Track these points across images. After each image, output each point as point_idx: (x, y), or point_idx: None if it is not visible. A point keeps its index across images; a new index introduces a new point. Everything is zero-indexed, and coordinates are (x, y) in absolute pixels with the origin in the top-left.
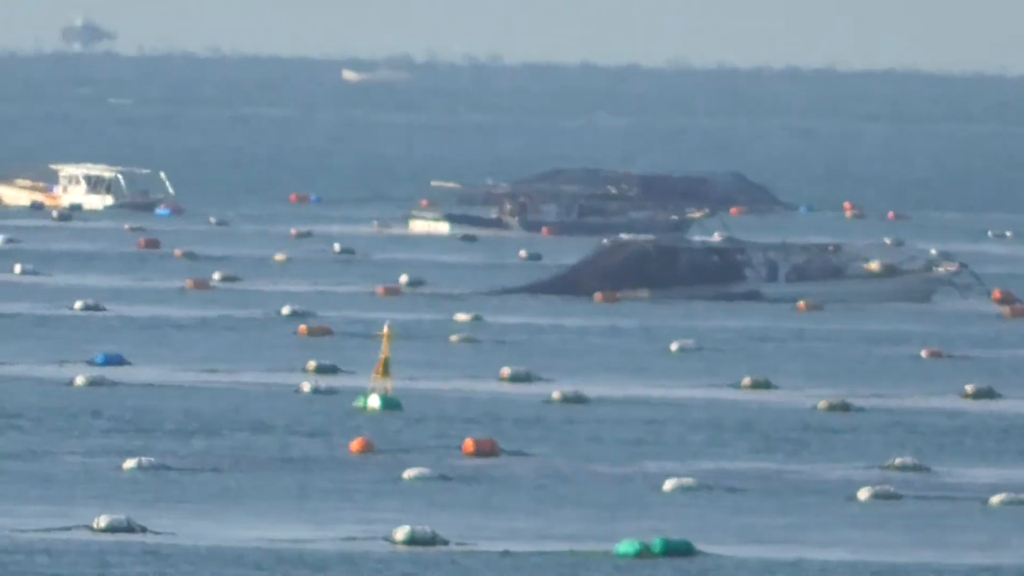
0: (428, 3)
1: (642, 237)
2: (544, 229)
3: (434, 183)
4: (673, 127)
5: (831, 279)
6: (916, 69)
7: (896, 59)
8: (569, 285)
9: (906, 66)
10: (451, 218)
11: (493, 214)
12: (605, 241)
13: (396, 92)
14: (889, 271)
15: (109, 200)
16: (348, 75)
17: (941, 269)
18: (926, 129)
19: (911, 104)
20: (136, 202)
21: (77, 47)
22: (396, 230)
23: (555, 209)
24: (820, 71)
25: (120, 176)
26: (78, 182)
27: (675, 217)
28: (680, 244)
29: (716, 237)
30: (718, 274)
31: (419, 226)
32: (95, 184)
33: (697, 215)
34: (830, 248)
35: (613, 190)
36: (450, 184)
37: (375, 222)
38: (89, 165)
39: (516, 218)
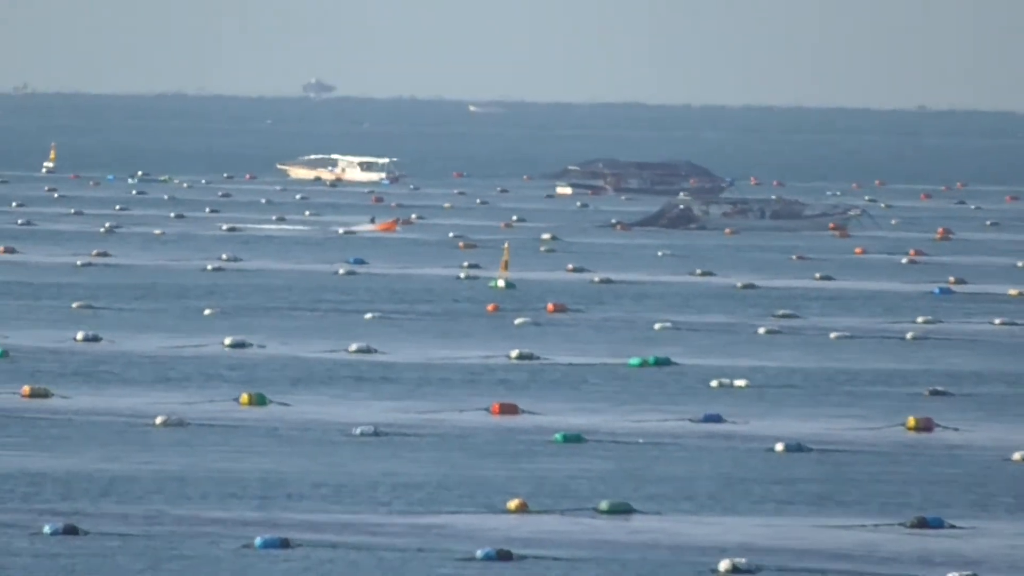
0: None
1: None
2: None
3: (569, 166)
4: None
5: (791, 218)
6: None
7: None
8: (649, 220)
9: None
10: (572, 185)
11: (600, 183)
12: (683, 195)
13: (499, 119)
14: (821, 212)
15: (381, 175)
16: (472, 108)
17: (850, 212)
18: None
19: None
20: (392, 178)
21: (311, 95)
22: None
23: (637, 181)
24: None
25: (388, 161)
26: (353, 166)
27: (708, 186)
28: (711, 199)
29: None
30: (732, 215)
31: (560, 190)
32: (368, 167)
33: (724, 185)
34: (787, 200)
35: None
36: (575, 167)
37: (525, 176)
38: (358, 157)
39: (611, 185)
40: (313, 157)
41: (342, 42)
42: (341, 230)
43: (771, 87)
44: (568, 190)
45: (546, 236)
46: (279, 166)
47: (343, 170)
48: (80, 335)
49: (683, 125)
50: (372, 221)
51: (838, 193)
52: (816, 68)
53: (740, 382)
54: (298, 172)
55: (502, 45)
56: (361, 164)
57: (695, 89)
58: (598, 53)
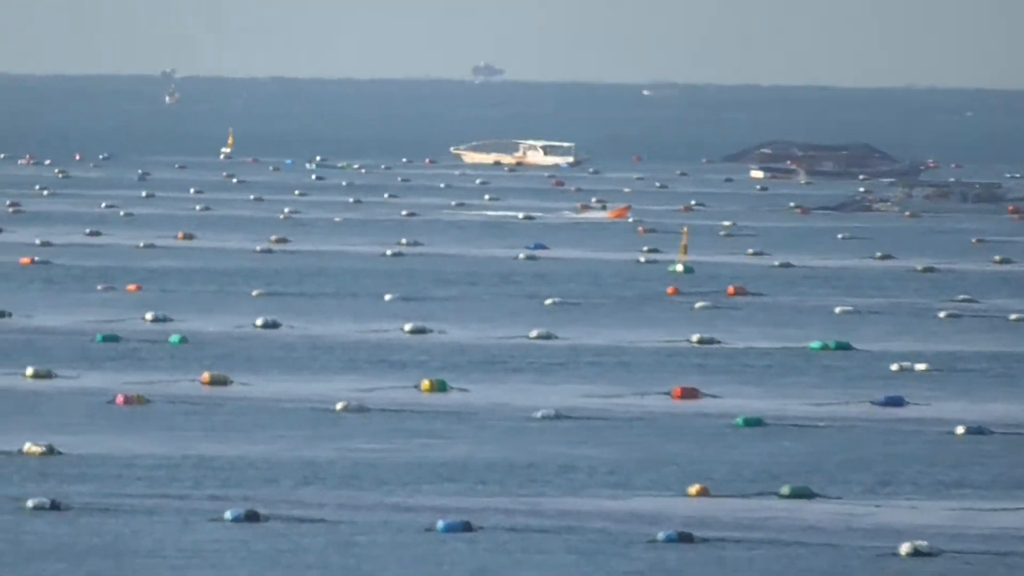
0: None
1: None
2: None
3: (762, 150)
4: None
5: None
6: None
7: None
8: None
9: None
10: (764, 168)
11: (789, 165)
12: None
13: (673, 102)
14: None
15: (568, 159)
16: (646, 92)
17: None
18: None
19: None
20: (573, 162)
21: (480, 79)
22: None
23: (831, 164)
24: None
25: (572, 145)
26: (535, 149)
27: (905, 169)
28: (913, 182)
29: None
30: (933, 198)
31: (753, 174)
32: (552, 150)
33: (922, 168)
34: (988, 184)
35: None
36: (766, 150)
37: (703, 159)
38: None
39: (804, 168)
40: (489, 141)
41: (510, 25)
42: (519, 215)
43: (932, 68)
44: (760, 173)
45: (726, 222)
46: (453, 150)
47: (524, 154)
48: (259, 321)
49: (850, 107)
50: (603, 208)
51: (1018, 176)
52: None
53: (920, 365)
54: (473, 156)
55: (672, 28)
56: (544, 148)
57: (860, 71)
58: (770, 35)
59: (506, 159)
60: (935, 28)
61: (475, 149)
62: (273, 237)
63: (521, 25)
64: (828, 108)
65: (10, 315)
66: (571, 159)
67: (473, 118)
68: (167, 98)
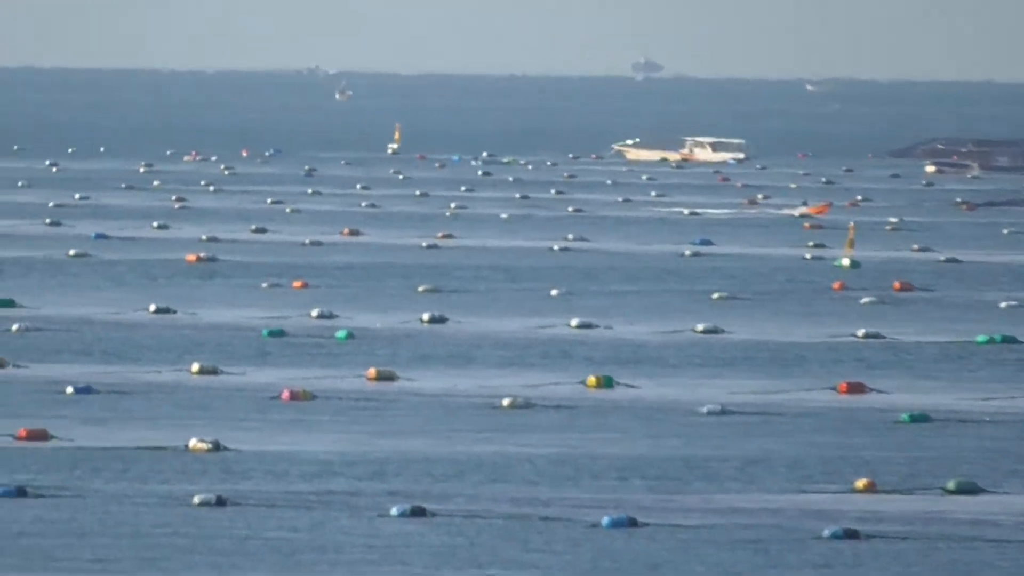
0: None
1: None
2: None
3: (936, 145)
4: None
5: None
6: None
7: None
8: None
9: None
10: (937, 163)
11: (959, 160)
12: None
13: (836, 98)
14: None
15: (738, 156)
16: (809, 87)
17: None
18: None
19: None
20: (741, 158)
21: (639, 76)
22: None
23: (1006, 159)
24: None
25: (742, 141)
26: (703, 146)
27: None
28: None
29: None
30: None
31: (928, 168)
32: (721, 147)
33: None
34: None
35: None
36: (940, 145)
37: (869, 154)
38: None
39: (977, 163)
40: (654, 138)
41: (669, 20)
42: (685, 211)
43: None
44: (933, 168)
45: (892, 219)
46: (615, 147)
47: (691, 150)
48: (426, 316)
49: (1011, 102)
50: (804, 204)
51: None
52: None
53: None
54: (637, 153)
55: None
56: (713, 144)
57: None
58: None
59: (672, 155)
60: None
61: (639, 146)
62: (439, 233)
63: (680, 21)
64: (986, 103)
65: (176, 312)
66: (741, 155)
67: (634, 113)
68: (337, 95)
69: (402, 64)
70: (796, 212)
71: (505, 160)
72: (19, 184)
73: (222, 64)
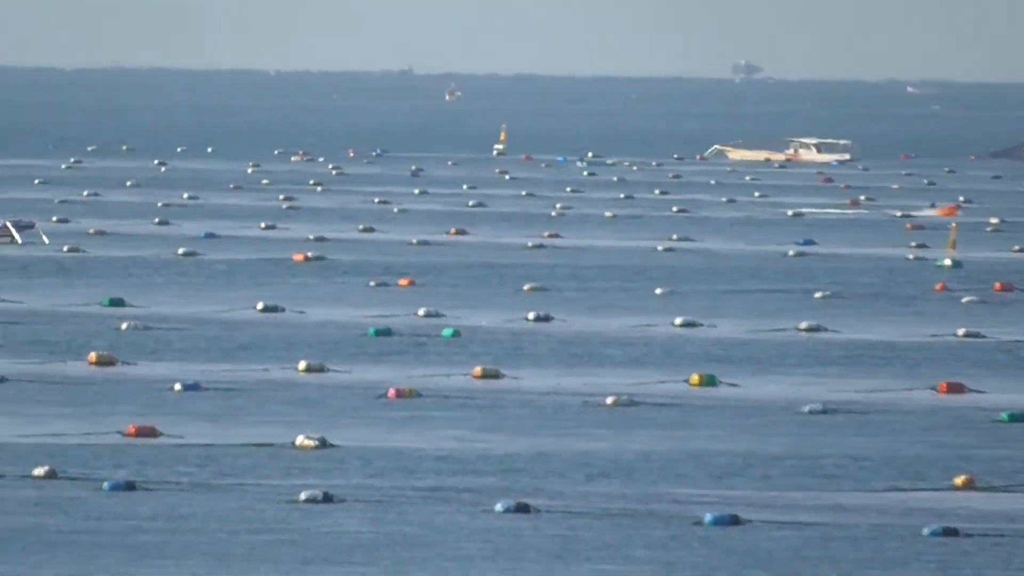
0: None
1: None
2: None
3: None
4: None
5: None
6: None
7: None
8: None
9: None
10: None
11: None
12: None
13: (937, 100)
14: None
15: (844, 157)
16: (910, 89)
17: None
18: None
19: None
20: (844, 160)
21: (740, 77)
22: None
23: None
24: None
25: (848, 143)
26: (808, 147)
27: None
28: None
29: None
30: None
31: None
32: (827, 148)
33: None
34: None
35: None
36: None
37: (971, 156)
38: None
39: None
40: (757, 139)
41: (769, 22)
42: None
43: None
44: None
45: (993, 219)
46: (717, 148)
47: (795, 151)
48: (531, 315)
49: None
50: (932, 206)
51: None
52: None
53: None
54: (740, 154)
55: (930, 24)
56: (817, 145)
57: None
58: None
59: (776, 156)
60: None
61: (742, 147)
62: (545, 232)
63: (780, 23)
64: None
65: (283, 310)
66: (846, 156)
67: (734, 116)
68: (447, 95)
69: (499, 65)
70: (923, 213)
71: (610, 161)
72: (128, 184)
73: (323, 65)
